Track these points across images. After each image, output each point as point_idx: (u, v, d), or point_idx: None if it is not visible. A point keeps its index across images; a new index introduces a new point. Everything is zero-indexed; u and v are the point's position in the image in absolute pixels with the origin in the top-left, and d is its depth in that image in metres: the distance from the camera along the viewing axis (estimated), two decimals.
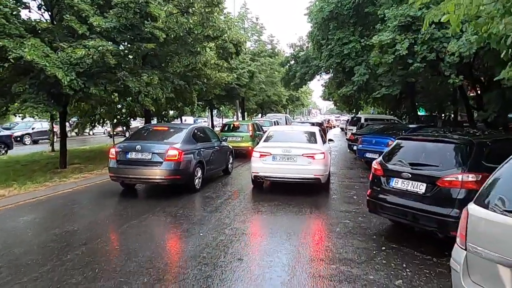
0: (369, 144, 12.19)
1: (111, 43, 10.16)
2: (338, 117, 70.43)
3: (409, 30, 9.82)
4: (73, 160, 12.95)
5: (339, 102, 29.42)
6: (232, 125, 16.54)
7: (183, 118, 41.62)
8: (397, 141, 5.70)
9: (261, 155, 8.07)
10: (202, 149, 8.75)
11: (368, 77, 12.22)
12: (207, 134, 10.08)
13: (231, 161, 11.13)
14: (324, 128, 30.95)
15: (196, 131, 9.09)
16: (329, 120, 50.12)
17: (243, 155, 14.55)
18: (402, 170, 5.05)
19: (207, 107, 27.07)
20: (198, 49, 14.31)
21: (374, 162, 5.69)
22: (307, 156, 7.76)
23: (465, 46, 8.15)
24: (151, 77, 11.92)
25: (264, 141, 8.81)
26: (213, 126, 23.79)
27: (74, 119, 21.64)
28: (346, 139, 21.80)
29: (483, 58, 9.47)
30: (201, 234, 5.49)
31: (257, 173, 8.14)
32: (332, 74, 17.13)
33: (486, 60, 9.76)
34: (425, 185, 4.76)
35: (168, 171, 7.55)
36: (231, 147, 11.56)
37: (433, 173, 4.71)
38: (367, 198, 5.62)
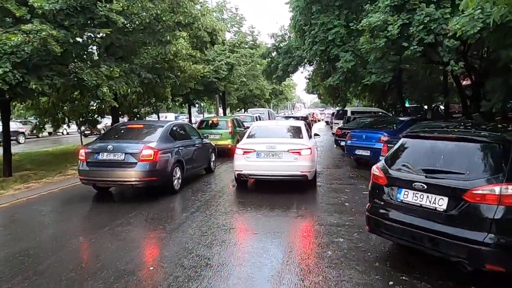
0: (359, 140, 11.02)
1: (60, 29, 8.63)
2: (323, 110, 69.58)
3: (403, 10, 8.64)
4: (26, 165, 11.37)
5: (325, 95, 28.31)
6: (209, 122, 15.15)
7: (164, 114, 39.97)
8: (403, 139, 4.46)
9: (244, 152, 7.73)
10: (181, 148, 8.29)
11: (355, 64, 10.96)
12: (187, 131, 9.52)
13: (213, 159, 10.73)
14: (309, 122, 30.20)
15: (174, 128, 8.58)
16: (313, 114, 49.09)
17: (223, 154, 13.41)
18: (413, 178, 3.81)
19: (185, 103, 25.43)
20: (168, 37, 12.82)
21: (374, 167, 4.44)
22: (293, 152, 7.44)
23: (468, 24, 6.98)
24: (111, 69, 10.43)
25: (248, 137, 8.44)
26: (191, 123, 22.26)
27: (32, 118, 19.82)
28: (332, 133, 20.74)
29: (486, 40, 8.37)
30: (181, 241, 5.06)
31: (241, 171, 7.80)
32: (316, 65, 15.86)
33: (488, 43, 8.69)
34: (446, 199, 3.54)
35: (143, 172, 7.08)
36: (214, 144, 11.08)
37: (457, 184, 3.48)
38: (367, 214, 4.36)
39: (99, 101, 11.17)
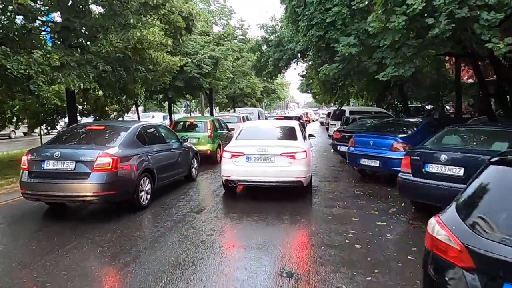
0: (365, 147, 8.83)
1: None
2: (317, 110, 67.65)
3: None
4: None
5: (319, 93, 26.09)
6: (185, 123, 12.86)
7: (151, 114, 37.53)
8: (491, 168, 2.21)
9: (232, 155, 7.04)
10: (151, 153, 7.05)
11: (359, 51, 8.68)
12: (161, 134, 8.18)
13: (195, 165, 9.46)
14: (303, 123, 28.14)
15: (143, 130, 7.24)
16: (307, 113, 46.98)
17: (201, 161, 11.37)
18: None
19: (164, 101, 23.07)
20: (132, 20, 10.54)
21: (433, 221, 2.20)
22: (286, 156, 6.80)
23: None
24: (48, 56, 8.13)
25: (236, 138, 7.70)
26: (171, 123, 19.93)
27: None
28: (329, 135, 18.60)
29: None
30: (144, 268, 4.15)
31: (228, 176, 7.10)
32: (312, 55, 13.55)
33: None
34: None
35: (98, 185, 5.82)
36: (195, 148, 9.76)
37: None
38: None
39: (30, 97, 8.80)
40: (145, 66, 12.78)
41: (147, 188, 6.72)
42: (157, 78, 13.86)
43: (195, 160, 9.47)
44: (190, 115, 33.84)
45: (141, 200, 6.52)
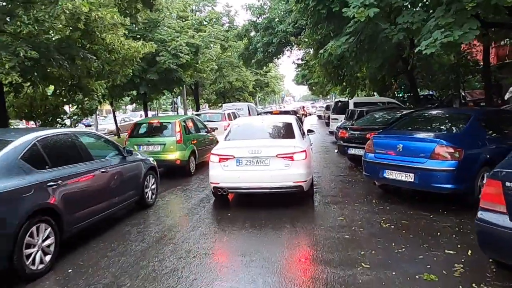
0: (391, 153, 6.08)
1: None
2: (313, 103, 64.93)
3: None
4: None
5: (322, 81, 23.07)
6: (148, 126, 10.09)
7: (139, 113, 34.53)
8: None
9: (220, 158, 6.05)
10: (53, 182, 4.30)
11: (376, 14, 5.79)
12: (83, 147, 5.27)
13: (152, 184, 6.83)
14: (300, 117, 25.57)
15: (41, 145, 4.48)
16: (303, 107, 44.17)
17: (169, 174, 9.19)
18: None
19: (138, 99, 20.22)
20: None
21: None
22: (283, 157, 5.85)
23: None
24: None
25: (225, 139, 6.67)
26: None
27: None
28: (330, 131, 15.92)
29: None
30: None
31: (217, 183, 6.07)
32: (309, 31, 10.59)
33: None
34: None
35: None
36: (151, 161, 6.93)
37: None
38: None
39: None
40: (97, 53, 9.98)
41: (38, 242, 3.99)
42: (116, 70, 11.05)
43: (152, 177, 6.83)
44: (177, 113, 31.03)
45: (27, 265, 3.84)
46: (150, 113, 32.79)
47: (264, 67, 23.22)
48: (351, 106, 14.85)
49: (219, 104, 37.77)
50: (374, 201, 6.40)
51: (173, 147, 9.07)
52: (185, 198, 7.36)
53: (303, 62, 23.99)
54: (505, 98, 18.19)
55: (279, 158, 5.84)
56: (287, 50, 22.51)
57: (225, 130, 8.49)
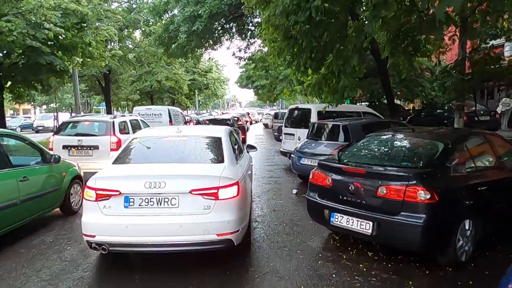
0: None
1: None
2: (260, 110, 60.94)
3: None
4: None
5: (263, 88, 18.15)
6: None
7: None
8: None
9: (99, 195, 3.78)
10: None
11: None
12: None
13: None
14: (243, 126, 20.28)
15: None
16: (248, 113, 39.26)
17: None
18: None
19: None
20: None
21: None
22: (201, 194, 3.74)
23: None
24: None
25: (115, 161, 4.38)
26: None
27: None
28: (282, 151, 10.86)
29: None
30: None
31: (92, 236, 3.77)
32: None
33: None
34: None
35: None
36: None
37: None
38: None
39: None
40: None
41: None
42: None
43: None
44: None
45: None
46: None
47: (190, 57, 17.72)
48: (312, 117, 9.90)
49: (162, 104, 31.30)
50: None
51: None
52: None
53: (249, 55, 18.89)
54: (498, 111, 14.84)
55: (195, 196, 3.72)
56: (227, 40, 17.27)
57: (111, 150, 6.98)
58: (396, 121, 9.45)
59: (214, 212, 3.75)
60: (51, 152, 5.74)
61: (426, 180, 3.52)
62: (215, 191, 3.76)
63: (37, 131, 27.61)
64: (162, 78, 25.70)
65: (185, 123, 17.06)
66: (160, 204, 3.78)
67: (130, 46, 22.42)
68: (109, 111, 21.24)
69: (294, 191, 7.25)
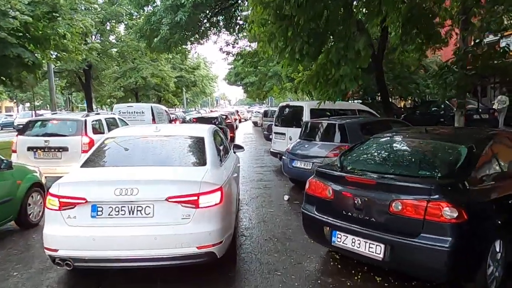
0: None
1: None
2: (249, 107, 60.21)
3: None
4: None
5: (253, 86, 17.45)
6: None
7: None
8: None
9: (63, 203, 3.33)
10: None
11: None
12: None
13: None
14: (231, 124, 19.31)
15: None
16: (237, 111, 38.51)
17: None
18: None
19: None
20: None
21: None
22: (179, 202, 3.32)
23: None
24: None
25: (83, 165, 3.92)
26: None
27: None
28: (272, 152, 10.18)
29: None
30: None
31: (55, 251, 3.31)
32: None
33: None
34: None
35: None
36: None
37: None
38: None
39: None
40: None
41: None
42: None
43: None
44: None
45: None
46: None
47: (175, 53, 16.85)
48: (305, 116, 9.22)
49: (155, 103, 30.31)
50: None
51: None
52: None
53: (237, 50, 18.14)
54: (494, 108, 14.42)
55: (172, 204, 3.30)
56: (214, 34, 16.47)
57: (83, 152, 6.31)
58: (396, 120, 8.86)
59: (194, 222, 3.34)
60: (0, 157, 4.89)
61: (451, 194, 2.85)
62: (195, 198, 3.34)
63: (18, 130, 26.25)
64: (148, 75, 24.75)
65: (170, 121, 16.27)
66: (133, 214, 3.36)
67: (114, 40, 21.41)
68: (90, 109, 20.25)
69: (286, 197, 6.57)
